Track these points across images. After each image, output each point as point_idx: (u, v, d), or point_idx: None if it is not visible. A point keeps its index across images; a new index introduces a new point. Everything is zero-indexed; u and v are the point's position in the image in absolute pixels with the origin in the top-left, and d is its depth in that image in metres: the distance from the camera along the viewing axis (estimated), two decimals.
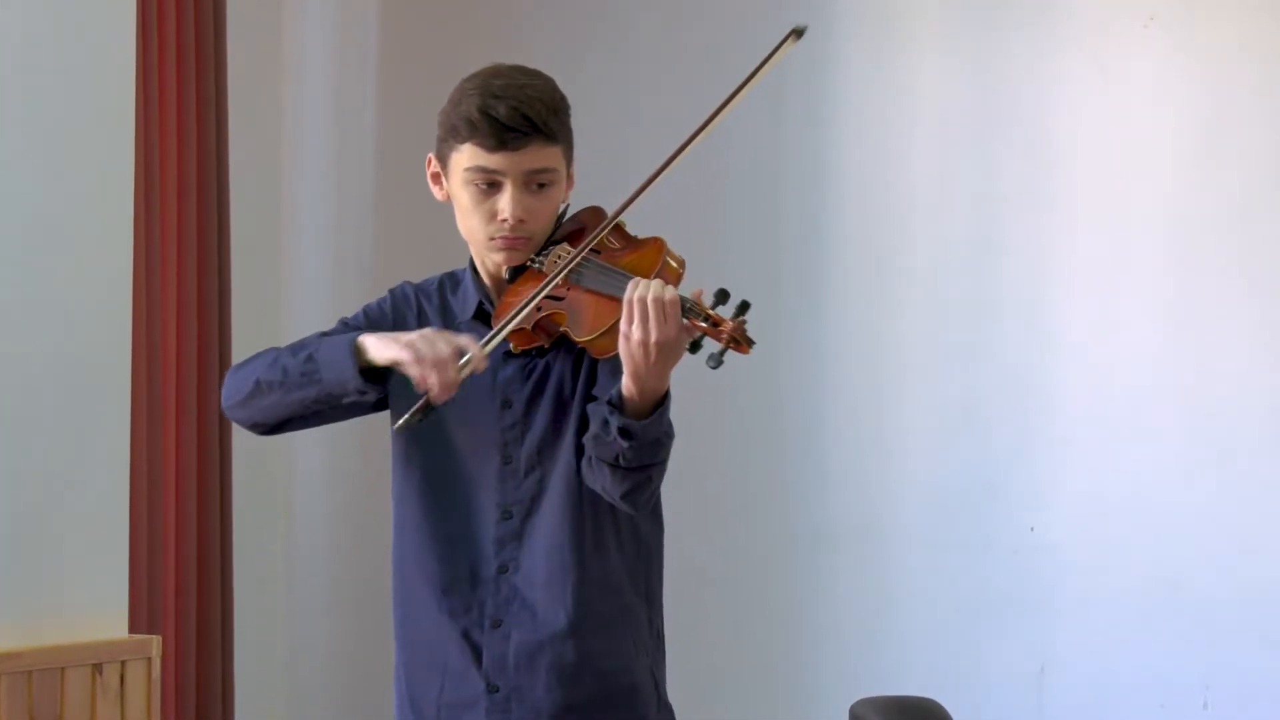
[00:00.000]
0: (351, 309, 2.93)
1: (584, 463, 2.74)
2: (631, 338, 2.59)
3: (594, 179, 5.55)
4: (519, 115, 2.74)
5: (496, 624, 2.79)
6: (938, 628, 4.78)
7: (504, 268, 2.83)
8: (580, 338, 2.71)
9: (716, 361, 2.61)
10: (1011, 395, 4.69)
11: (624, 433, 2.62)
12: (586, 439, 2.72)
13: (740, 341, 2.60)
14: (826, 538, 4.93)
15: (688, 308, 2.60)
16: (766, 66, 2.73)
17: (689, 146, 2.75)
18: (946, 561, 4.78)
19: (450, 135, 2.81)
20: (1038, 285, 4.71)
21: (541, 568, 2.78)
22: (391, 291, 2.98)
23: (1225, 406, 4.46)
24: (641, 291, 2.59)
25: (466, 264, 2.92)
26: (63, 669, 4.19)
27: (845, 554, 4.89)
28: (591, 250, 2.75)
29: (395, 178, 5.64)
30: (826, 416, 4.95)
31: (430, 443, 2.84)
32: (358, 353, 2.75)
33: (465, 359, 2.67)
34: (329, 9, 5.74)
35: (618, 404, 2.63)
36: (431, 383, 2.66)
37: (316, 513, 5.68)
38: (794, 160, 4.99)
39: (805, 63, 5.02)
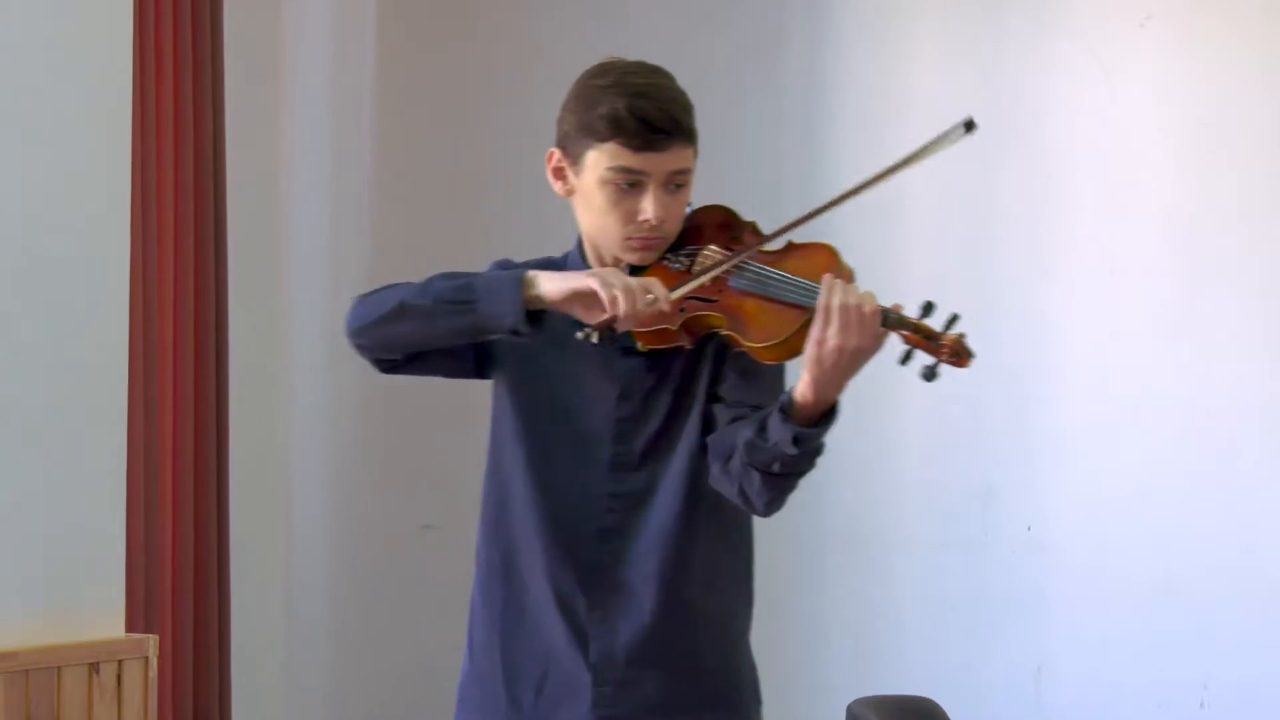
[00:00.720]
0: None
1: (716, 465, 2.70)
2: (826, 343, 2.54)
3: None
4: (667, 116, 2.70)
5: (604, 616, 2.76)
6: (935, 627, 4.78)
7: (623, 263, 2.78)
8: (751, 343, 2.64)
9: (931, 375, 2.55)
10: (1010, 396, 4.69)
11: (796, 440, 2.57)
12: (729, 443, 2.67)
13: (961, 355, 2.55)
14: (825, 538, 4.93)
15: (894, 319, 2.55)
16: (937, 146, 2.71)
17: (857, 192, 2.73)
18: (944, 561, 4.78)
19: (586, 133, 2.74)
20: (1036, 285, 4.71)
21: (651, 563, 2.75)
22: (497, 263, 2.89)
23: (1223, 407, 4.46)
24: (841, 298, 2.54)
25: (572, 253, 2.87)
26: (59, 668, 4.19)
27: (844, 554, 4.89)
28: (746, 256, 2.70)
29: (393, 172, 5.64)
30: None
31: (542, 422, 2.79)
32: (525, 285, 2.65)
33: (651, 297, 2.60)
34: (327, 3, 5.74)
35: (788, 410, 2.59)
36: (621, 304, 2.58)
37: (314, 512, 5.67)
38: (792, 159, 4.99)
39: (803, 62, 5.02)
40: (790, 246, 2.74)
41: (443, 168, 5.55)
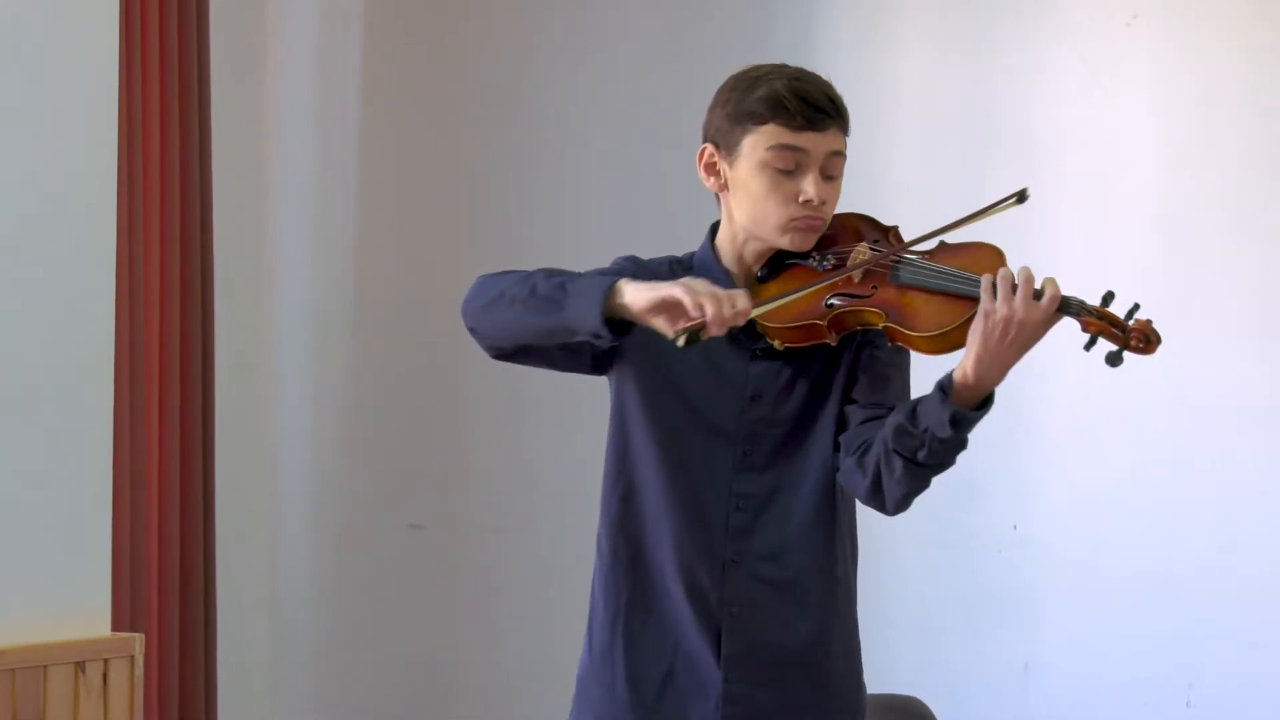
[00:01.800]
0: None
1: (850, 459, 2.71)
2: (995, 313, 2.55)
3: (586, 176, 5.54)
4: (825, 96, 2.74)
5: (734, 614, 2.76)
6: (922, 626, 4.77)
7: (756, 267, 2.79)
8: (915, 333, 2.64)
9: (1117, 360, 2.58)
10: (996, 393, 4.68)
11: (953, 421, 2.58)
12: (865, 437, 2.69)
13: (1150, 340, 2.58)
14: None
15: (1076, 306, 2.58)
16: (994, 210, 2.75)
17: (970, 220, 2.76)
18: (930, 559, 4.78)
19: (744, 119, 2.74)
20: None
21: (779, 566, 2.76)
22: (626, 258, 2.86)
23: (1211, 405, 4.47)
24: (1015, 275, 2.57)
25: (703, 248, 2.85)
26: (45, 667, 4.18)
27: None
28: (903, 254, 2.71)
29: (379, 171, 5.63)
30: None
31: (672, 417, 2.78)
32: (611, 294, 2.61)
33: (737, 307, 2.58)
34: (312, 8, 5.73)
35: (947, 389, 2.59)
36: (708, 310, 2.55)
37: (300, 511, 5.67)
38: None
39: (791, 59, 5.02)
40: (947, 246, 2.76)
41: (429, 166, 5.54)
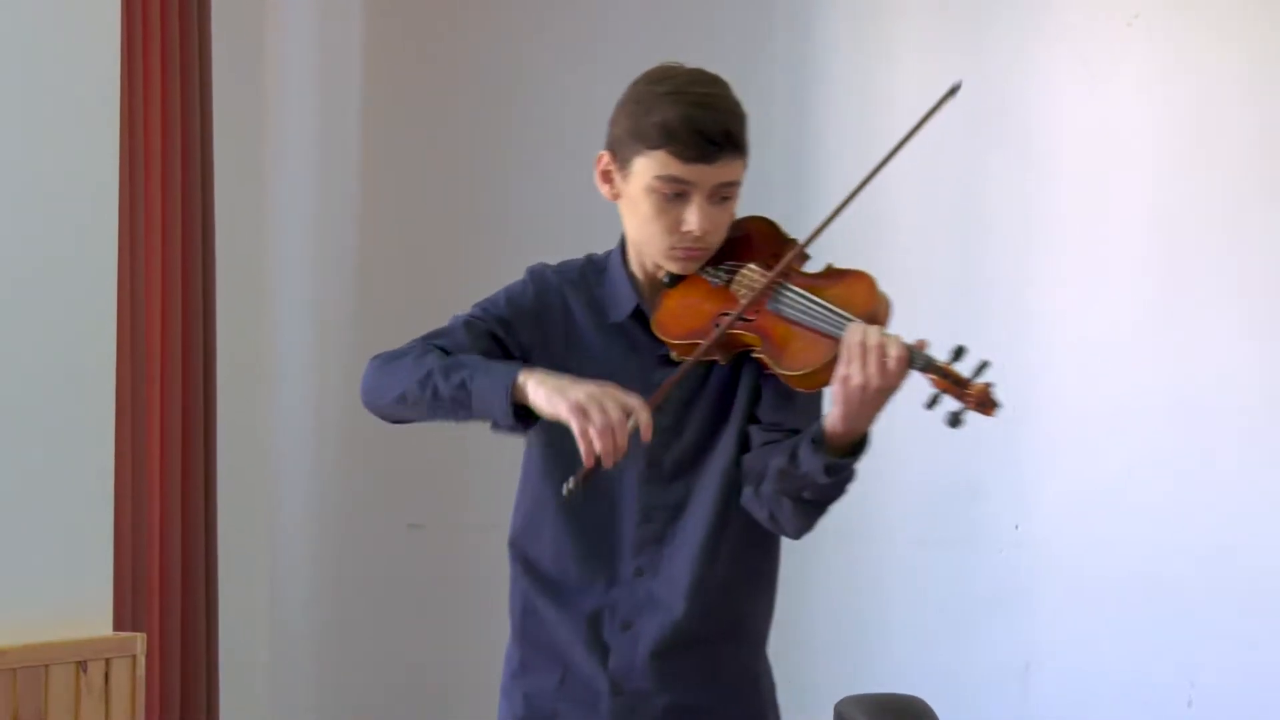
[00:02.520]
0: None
1: (749, 489, 2.71)
2: (851, 381, 2.54)
3: (586, 177, 5.51)
4: (720, 129, 2.67)
5: (627, 626, 2.76)
6: (923, 626, 4.78)
7: (660, 273, 2.78)
8: (784, 370, 2.63)
9: (955, 421, 2.56)
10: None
11: (827, 470, 2.59)
12: (761, 467, 2.68)
13: (987, 404, 2.55)
14: (812, 536, 4.91)
15: (924, 363, 2.55)
16: (931, 116, 2.78)
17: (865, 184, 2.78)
18: (931, 560, 4.78)
19: (636, 138, 2.71)
20: (1021, 283, 4.72)
21: (680, 574, 2.75)
22: (531, 272, 2.85)
23: (1208, 405, 4.47)
24: (867, 339, 2.54)
25: (614, 253, 2.84)
26: (47, 666, 4.18)
27: (831, 552, 4.89)
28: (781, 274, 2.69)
29: (379, 171, 5.64)
30: None
31: (574, 442, 2.74)
32: (515, 392, 2.61)
33: (632, 424, 2.55)
34: (313, 9, 5.73)
35: (819, 440, 2.59)
36: (603, 452, 2.53)
37: (300, 510, 5.67)
38: (778, 160, 4.99)
39: (788, 62, 5.03)
40: (830, 271, 2.73)
41: (428, 167, 5.54)
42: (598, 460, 2.54)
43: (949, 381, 2.56)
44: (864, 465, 5.05)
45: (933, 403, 2.57)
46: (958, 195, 4.79)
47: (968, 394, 2.55)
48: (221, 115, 5.22)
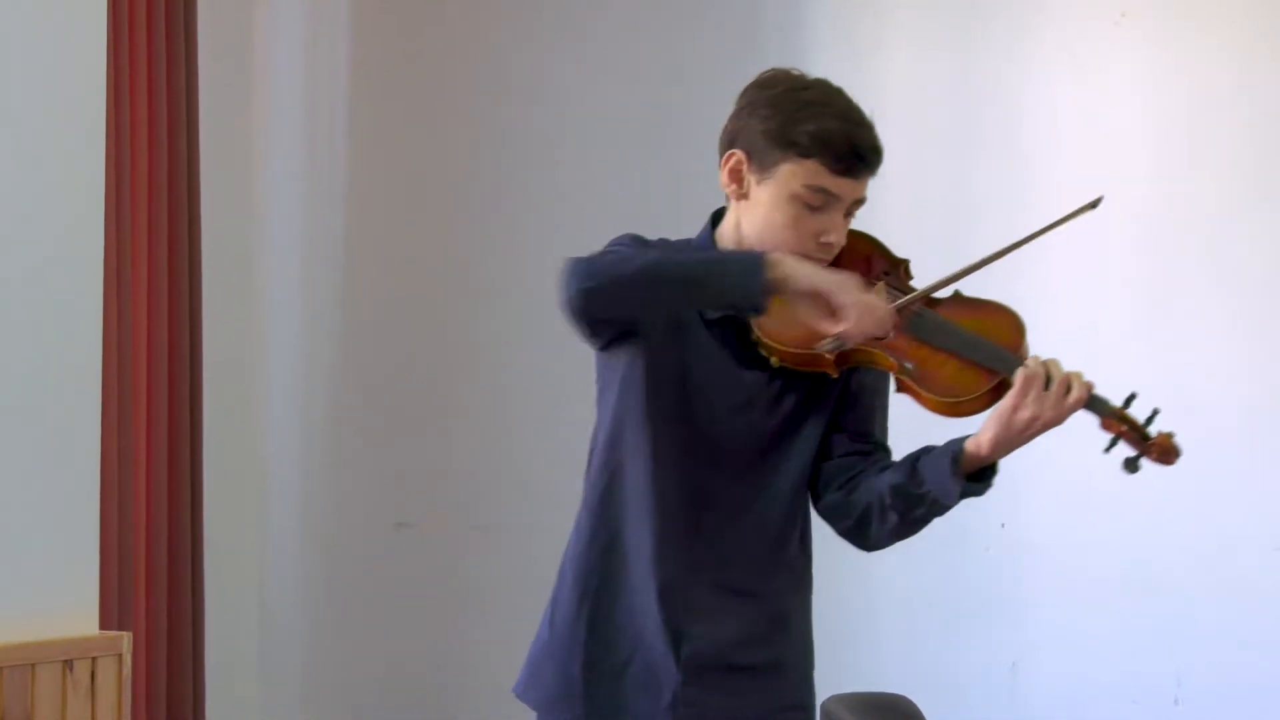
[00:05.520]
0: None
1: (835, 495, 2.75)
2: (1020, 413, 2.61)
3: (575, 175, 5.52)
4: (873, 146, 2.72)
5: (701, 616, 2.76)
6: (910, 624, 4.78)
7: None
8: (928, 393, 2.65)
9: (1133, 467, 2.63)
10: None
11: (962, 494, 2.66)
12: (849, 475, 2.73)
13: (1170, 454, 2.61)
14: None
15: (1106, 409, 2.62)
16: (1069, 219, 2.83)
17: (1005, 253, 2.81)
18: (918, 558, 4.77)
19: (787, 146, 2.70)
20: (1012, 281, 4.69)
21: (751, 572, 2.77)
22: (627, 237, 2.81)
23: (1199, 404, 4.46)
24: (1052, 375, 2.62)
25: (702, 234, 2.83)
26: (33, 666, 4.18)
27: (817, 551, 4.88)
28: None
29: (367, 172, 5.63)
30: None
31: (671, 405, 2.75)
32: (770, 266, 2.59)
33: (878, 319, 2.63)
34: (300, 9, 5.73)
35: (958, 458, 2.64)
36: (866, 325, 2.60)
37: (288, 509, 5.66)
38: None
39: (778, 58, 5.02)
40: (962, 298, 2.77)
41: (416, 167, 5.54)
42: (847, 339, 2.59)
43: (1127, 428, 2.62)
44: None
45: (1111, 447, 2.64)
46: (948, 193, 4.79)
47: (1150, 444, 2.62)
48: (208, 116, 5.21)
